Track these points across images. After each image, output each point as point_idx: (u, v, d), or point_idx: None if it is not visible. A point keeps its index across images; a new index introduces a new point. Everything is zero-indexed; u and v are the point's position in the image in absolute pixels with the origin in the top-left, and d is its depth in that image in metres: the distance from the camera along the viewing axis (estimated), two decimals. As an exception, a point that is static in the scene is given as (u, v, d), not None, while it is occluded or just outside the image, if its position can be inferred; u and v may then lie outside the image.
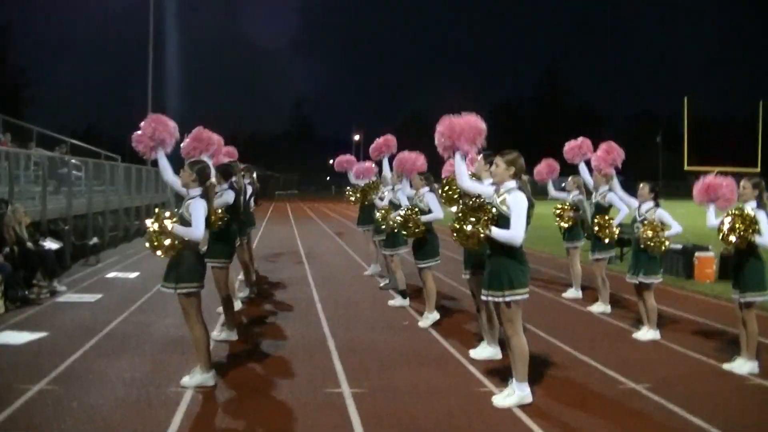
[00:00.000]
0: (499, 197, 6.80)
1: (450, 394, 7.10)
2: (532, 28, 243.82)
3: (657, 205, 9.68)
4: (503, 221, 6.66)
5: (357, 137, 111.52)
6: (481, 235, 6.62)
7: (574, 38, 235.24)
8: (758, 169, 65.94)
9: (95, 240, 17.58)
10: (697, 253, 15.46)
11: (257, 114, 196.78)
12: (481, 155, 8.16)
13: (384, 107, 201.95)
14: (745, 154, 70.19)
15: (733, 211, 7.94)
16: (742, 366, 8.05)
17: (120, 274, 15.12)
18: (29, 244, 12.55)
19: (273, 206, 54.20)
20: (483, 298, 7.03)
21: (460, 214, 6.74)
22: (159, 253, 7.12)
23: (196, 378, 7.26)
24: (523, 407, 6.67)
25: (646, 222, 9.46)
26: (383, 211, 11.87)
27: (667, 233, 9.37)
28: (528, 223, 6.74)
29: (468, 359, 8.35)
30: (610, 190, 11.03)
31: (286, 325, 10.30)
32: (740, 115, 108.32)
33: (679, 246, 15.95)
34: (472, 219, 6.63)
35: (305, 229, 30.84)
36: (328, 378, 7.63)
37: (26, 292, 11.52)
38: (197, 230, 7.07)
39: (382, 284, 13.80)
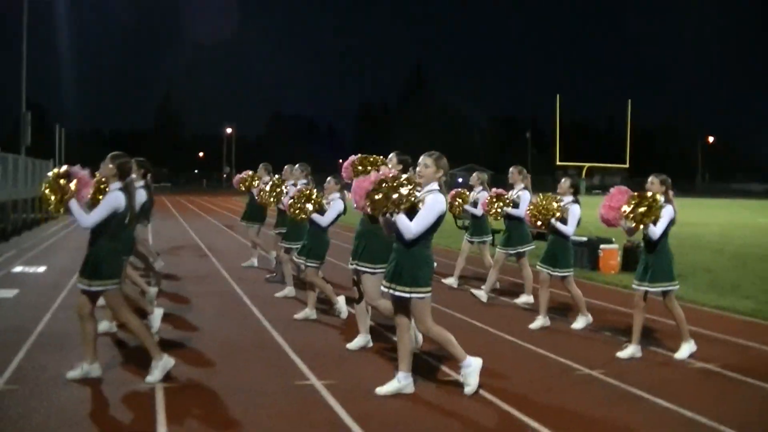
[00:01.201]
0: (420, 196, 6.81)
1: (418, 385, 7.18)
2: (398, 28, 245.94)
3: (576, 202, 10.01)
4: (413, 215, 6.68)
5: (229, 130, 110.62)
6: (388, 213, 6.60)
7: (438, 39, 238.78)
8: (626, 165, 69.16)
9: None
10: (601, 246, 16.06)
11: (124, 108, 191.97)
12: (393, 154, 8.22)
13: (253, 103, 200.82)
14: (613, 151, 73.38)
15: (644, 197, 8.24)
16: (683, 351, 8.48)
17: (27, 269, 14.60)
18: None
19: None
20: (383, 289, 7.00)
21: (388, 183, 6.60)
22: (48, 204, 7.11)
23: (156, 372, 7.11)
24: (497, 396, 6.82)
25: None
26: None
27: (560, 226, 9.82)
28: (436, 228, 6.80)
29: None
30: (525, 188, 11.61)
31: (222, 323, 10.19)
32: (608, 114, 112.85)
33: (584, 238, 16.54)
34: (395, 195, 6.57)
35: (196, 223, 30.23)
36: (292, 371, 7.61)
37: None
38: (89, 219, 6.94)
39: (268, 276, 13.98)
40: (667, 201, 8.45)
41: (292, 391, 6.94)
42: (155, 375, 7.09)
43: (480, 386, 6.92)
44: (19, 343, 8.50)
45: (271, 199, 11.91)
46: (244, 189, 14.72)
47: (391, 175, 6.64)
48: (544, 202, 9.82)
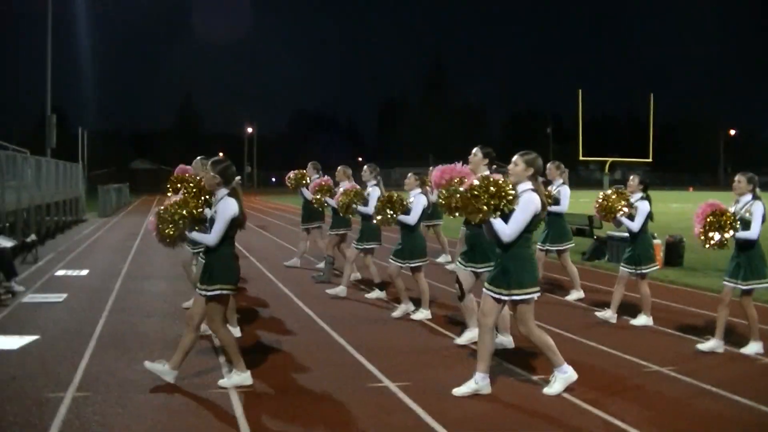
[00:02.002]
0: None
1: (494, 386, 7.06)
2: (417, 22, 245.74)
3: (645, 198, 9.92)
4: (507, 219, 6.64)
5: (250, 130, 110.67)
6: (487, 217, 6.54)
7: (459, 35, 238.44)
8: (650, 160, 68.72)
9: (33, 237, 16.81)
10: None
11: (146, 109, 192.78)
12: (477, 148, 8.26)
13: (274, 102, 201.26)
14: (636, 145, 72.97)
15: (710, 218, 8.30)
16: (751, 347, 8.36)
17: (70, 272, 14.57)
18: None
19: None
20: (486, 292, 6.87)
21: (480, 191, 6.53)
22: (160, 239, 7.00)
23: (234, 379, 7.02)
24: (574, 394, 6.70)
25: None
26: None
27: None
28: (535, 227, 6.78)
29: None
30: (564, 183, 11.55)
31: (279, 323, 10.08)
32: (630, 108, 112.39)
33: (625, 234, 16.33)
34: (493, 202, 6.51)
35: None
36: (363, 373, 7.51)
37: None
38: (213, 239, 6.86)
39: (314, 275, 13.88)
40: (756, 198, 8.38)
41: (368, 394, 6.83)
42: (229, 381, 7.00)
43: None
44: (80, 348, 8.44)
45: (354, 205, 11.52)
46: (291, 187, 14.46)
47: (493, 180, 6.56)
48: (612, 199, 9.77)
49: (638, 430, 5.87)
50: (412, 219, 9.96)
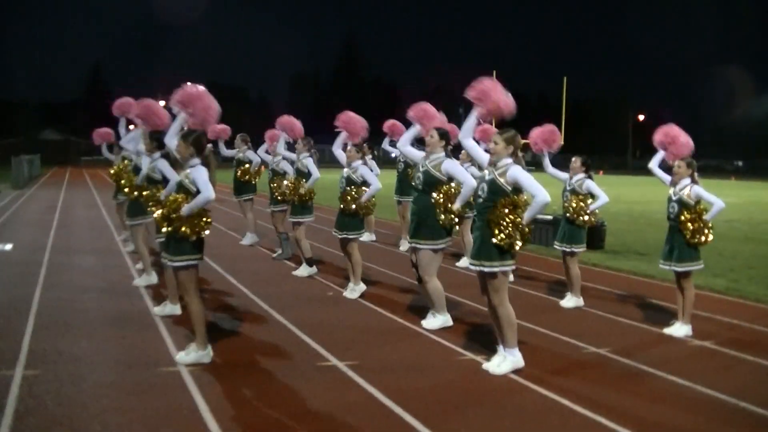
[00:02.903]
0: (497, 173, 6.98)
1: (438, 365, 7.26)
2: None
3: (589, 177, 10.13)
4: (504, 195, 6.90)
5: (162, 102, 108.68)
6: (527, 230, 6.94)
7: (373, 8, 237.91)
8: (562, 142, 70.19)
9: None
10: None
11: (54, 79, 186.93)
12: (434, 130, 8.67)
13: (187, 73, 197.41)
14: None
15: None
16: (679, 329, 8.78)
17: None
18: None
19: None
20: (472, 267, 7.17)
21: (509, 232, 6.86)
22: (184, 229, 6.99)
23: (192, 355, 7.06)
24: (518, 373, 6.94)
25: (573, 194, 10.06)
26: (291, 182, 11.81)
27: (593, 205, 9.94)
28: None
29: (424, 329, 8.54)
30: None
31: (218, 302, 10.10)
32: (542, 89, 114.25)
33: (550, 217, 16.73)
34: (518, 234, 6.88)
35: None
36: (313, 353, 7.61)
37: None
38: (207, 192, 6.95)
39: (275, 255, 13.74)
40: (694, 182, 8.80)
41: (318, 373, 6.97)
42: (186, 357, 7.04)
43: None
44: (20, 325, 8.33)
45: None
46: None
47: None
48: (575, 205, 9.96)
49: (580, 407, 6.13)
50: (375, 185, 10.25)
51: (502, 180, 6.93)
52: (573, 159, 10.26)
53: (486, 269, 7.00)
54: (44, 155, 68.69)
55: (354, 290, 10.40)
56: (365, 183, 10.21)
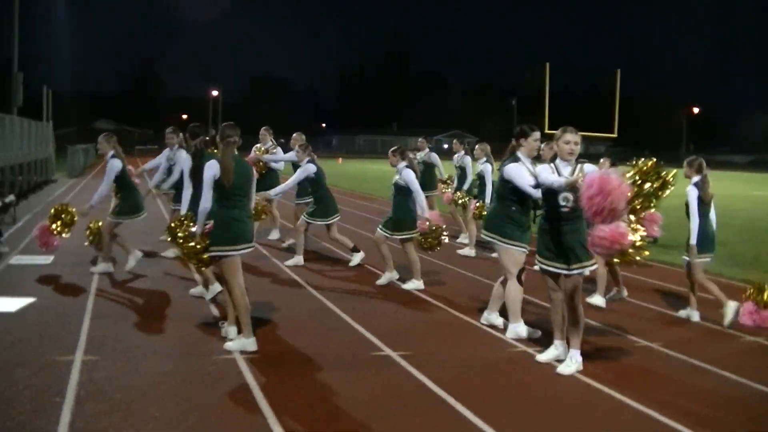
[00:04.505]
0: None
1: (491, 358, 7.26)
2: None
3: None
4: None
5: (215, 93, 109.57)
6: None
7: (424, 3, 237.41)
8: (615, 135, 69.36)
9: (11, 197, 16.67)
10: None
11: (108, 70, 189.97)
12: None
13: (236, 66, 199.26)
14: (600, 120, 73.53)
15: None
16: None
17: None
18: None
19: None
20: (574, 272, 7.01)
21: None
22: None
23: (237, 342, 7.18)
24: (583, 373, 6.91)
25: None
26: None
27: None
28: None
29: (481, 323, 8.54)
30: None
31: (270, 291, 10.20)
32: (595, 82, 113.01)
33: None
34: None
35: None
36: (367, 342, 7.68)
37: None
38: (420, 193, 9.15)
39: (286, 244, 14.02)
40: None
41: (370, 361, 7.02)
42: (235, 345, 7.13)
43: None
44: (78, 311, 8.52)
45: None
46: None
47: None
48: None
49: (631, 400, 6.08)
50: (417, 189, 10.17)
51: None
52: (601, 160, 9.96)
53: (587, 271, 7.15)
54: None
55: (413, 282, 10.40)
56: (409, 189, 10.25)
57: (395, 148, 10.57)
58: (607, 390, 6.39)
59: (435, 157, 15.96)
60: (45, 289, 9.71)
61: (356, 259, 12.01)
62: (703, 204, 8.87)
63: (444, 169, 16.01)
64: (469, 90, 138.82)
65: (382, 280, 10.57)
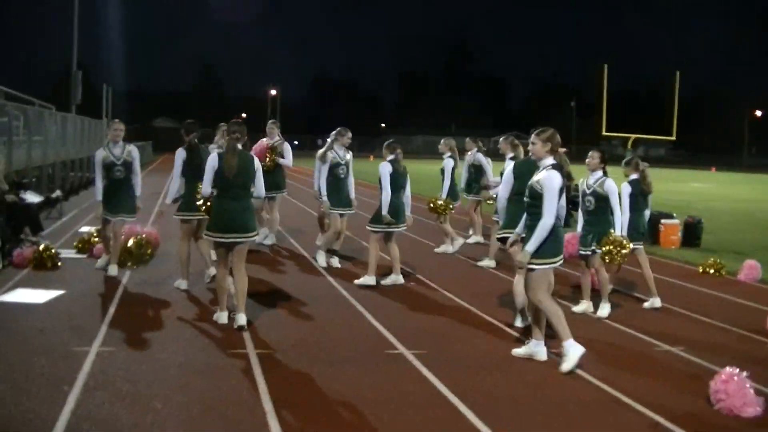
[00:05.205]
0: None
1: (508, 359, 7.23)
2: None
3: (605, 175, 9.08)
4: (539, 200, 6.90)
5: (273, 92, 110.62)
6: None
7: (483, 5, 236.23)
8: (673, 137, 68.46)
9: (58, 192, 17.06)
10: (662, 221, 15.88)
11: (168, 69, 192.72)
12: (503, 137, 10.47)
13: (296, 67, 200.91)
14: (659, 122, 72.57)
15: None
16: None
17: (93, 229, 14.70)
18: (10, 198, 12.14)
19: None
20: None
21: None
22: None
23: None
24: (586, 370, 6.83)
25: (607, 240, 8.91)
26: None
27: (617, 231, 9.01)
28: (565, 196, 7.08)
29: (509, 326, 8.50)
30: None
31: (297, 282, 10.30)
32: (654, 84, 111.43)
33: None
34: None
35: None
36: (383, 341, 7.71)
37: (20, 248, 11.10)
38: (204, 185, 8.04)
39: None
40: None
41: (383, 360, 7.03)
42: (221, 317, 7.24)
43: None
44: (105, 304, 8.78)
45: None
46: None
47: None
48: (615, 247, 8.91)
49: (641, 406, 6.00)
50: (384, 185, 10.23)
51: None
52: (590, 154, 9.26)
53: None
54: (156, 142, 70.94)
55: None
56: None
57: (389, 142, 10.57)
58: (617, 394, 6.32)
59: (481, 158, 14.36)
60: (77, 281, 9.89)
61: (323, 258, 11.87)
62: (640, 198, 9.62)
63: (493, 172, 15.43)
64: (528, 91, 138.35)
65: (387, 281, 10.53)
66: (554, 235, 6.93)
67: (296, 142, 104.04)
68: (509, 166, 9.07)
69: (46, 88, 74.80)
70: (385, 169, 10.17)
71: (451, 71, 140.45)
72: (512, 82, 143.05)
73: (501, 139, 10.97)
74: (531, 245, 6.85)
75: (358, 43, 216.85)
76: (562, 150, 7.21)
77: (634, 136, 70.24)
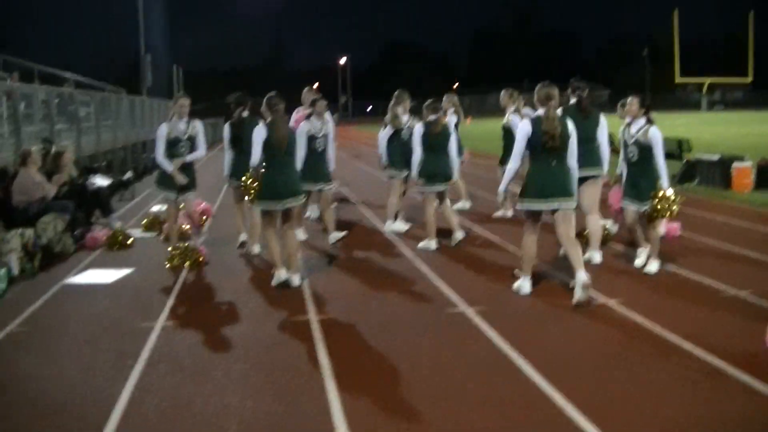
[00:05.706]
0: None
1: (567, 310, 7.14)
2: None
3: (649, 122, 8.49)
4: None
5: (343, 61, 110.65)
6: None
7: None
8: (749, 79, 66.52)
9: (129, 174, 17.39)
10: (734, 164, 15.46)
11: (238, 45, 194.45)
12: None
13: (365, 32, 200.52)
14: (734, 65, 70.44)
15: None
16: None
17: (164, 208, 14.97)
18: (79, 182, 12.43)
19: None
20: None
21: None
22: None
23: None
24: (647, 318, 6.70)
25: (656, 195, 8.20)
26: None
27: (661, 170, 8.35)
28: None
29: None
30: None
31: (363, 246, 10.35)
32: (727, 27, 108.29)
33: (716, 157, 16.04)
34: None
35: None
36: (445, 299, 7.70)
37: (91, 231, 11.35)
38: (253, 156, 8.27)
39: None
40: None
41: (445, 320, 7.02)
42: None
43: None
44: (172, 281, 8.90)
45: None
46: None
47: None
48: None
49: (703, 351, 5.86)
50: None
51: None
52: (629, 100, 8.73)
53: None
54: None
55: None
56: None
57: (427, 103, 10.25)
58: (679, 342, 6.19)
59: (515, 121, 11.43)
60: (146, 260, 10.07)
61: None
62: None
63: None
64: (600, 43, 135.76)
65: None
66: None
67: (369, 108, 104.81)
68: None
69: (121, 71, 76.42)
70: (417, 130, 10.21)
71: (521, 27, 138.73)
72: (583, 34, 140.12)
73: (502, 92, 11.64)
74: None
75: (427, 3, 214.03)
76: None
77: (708, 80, 68.37)
